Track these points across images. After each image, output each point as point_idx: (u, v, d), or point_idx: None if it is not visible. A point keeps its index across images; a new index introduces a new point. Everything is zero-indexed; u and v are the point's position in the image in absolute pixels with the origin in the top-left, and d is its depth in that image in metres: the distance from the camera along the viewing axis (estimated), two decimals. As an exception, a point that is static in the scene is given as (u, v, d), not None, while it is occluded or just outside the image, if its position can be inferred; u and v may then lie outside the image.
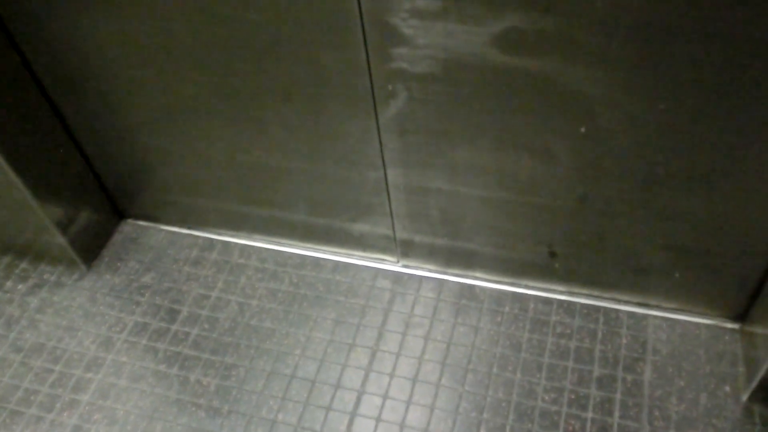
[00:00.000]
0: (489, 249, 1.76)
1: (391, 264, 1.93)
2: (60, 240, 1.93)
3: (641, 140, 1.36)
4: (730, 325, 1.72)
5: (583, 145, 1.41)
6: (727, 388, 1.62)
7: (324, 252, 1.98)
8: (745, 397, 1.59)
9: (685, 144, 1.34)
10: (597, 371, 1.67)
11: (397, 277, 1.91)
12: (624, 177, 1.44)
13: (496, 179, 1.56)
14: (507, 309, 1.81)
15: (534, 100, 1.36)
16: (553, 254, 1.71)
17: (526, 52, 1.28)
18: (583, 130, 1.38)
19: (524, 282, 1.83)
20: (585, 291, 1.79)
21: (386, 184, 1.68)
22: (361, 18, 1.33)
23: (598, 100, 1.31)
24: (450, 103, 1.42)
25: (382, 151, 1.59)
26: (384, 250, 1.90)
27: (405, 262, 1.92)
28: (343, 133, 1.59)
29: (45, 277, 2.03)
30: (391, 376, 1.72)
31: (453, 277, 1.89)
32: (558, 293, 1.82)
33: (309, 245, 1.98)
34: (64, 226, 1.92)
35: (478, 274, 1.86)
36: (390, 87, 1.43)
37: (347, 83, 1.46)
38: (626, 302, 1.77)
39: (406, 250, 1.87)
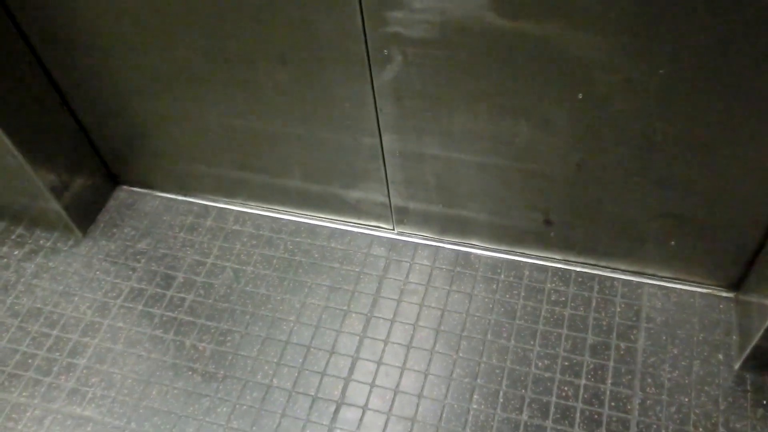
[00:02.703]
0: (484, 216, 1.75)
1: (386, 231, 1.93)
2: (55, 206, 1.93)
3: (640, 106, 1.34)
4: (724, 294, 1.72)
5: (580, 111, 1.39)
6: (720, 356, 1.63)
7: (319, 219, 1.97)
8: (737, 365, 1.60)
9: (685, 111, 1.32)
10: (591, 338, 1.68)
11: (392, 244, 1.91)
12: (621, 144, 1.43)
13: (493, 145, 1.54)
14: (502, 276, 1.81)
15: (532, 65, 1.33)
16: (548, 222, 1.70)
17: (524, 16, 1.25)
18: (580, 96, 1.36)
19: (519, 250, 1.83)
20: (580, 259, 1.79)
21: (382, 150, 1.67)
22: (356, -21, 1.30)
23: (597, 65, 1.29)
24: (446, 68, 1.40)
25: (377, 116, 1.57)
26: (379, 217, 1.89)
27: (400, 230, 1.91)
28: (338, 98, 1.57)
29: (41, 242, 2.03)
30: (386, 342, 1.73)
31: (448, 245, 1.88)
32: (553, 261, 1.82)
33: (304, 212, 1.98)
34: (58, 192, 1.92)
35: (473, 242, 1.86)
36: (385, 51, 1.41)
37: (342, 47, 1.44)
38: (621, 270, 1.77)
39: (401, 217, 1.86)
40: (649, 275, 1.76)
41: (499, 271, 1.82)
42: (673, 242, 1.63)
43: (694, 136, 1.36)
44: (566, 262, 1.81)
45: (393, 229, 1.92)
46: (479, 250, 1.86)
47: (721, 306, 1.71)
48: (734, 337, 1.65)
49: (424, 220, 1.84)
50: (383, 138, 1.62)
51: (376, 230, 1.93)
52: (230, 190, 2.00)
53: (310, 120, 1.66)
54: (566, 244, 1.75)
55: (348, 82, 1.52)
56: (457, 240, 1.87)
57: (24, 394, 1.73)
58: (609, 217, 1.62)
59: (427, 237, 1.90)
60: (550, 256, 1.81)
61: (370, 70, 1.47)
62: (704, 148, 1.38)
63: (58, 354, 1.79)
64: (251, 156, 1.84)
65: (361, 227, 1.94)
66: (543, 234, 1.74)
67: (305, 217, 1.98)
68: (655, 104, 1.33)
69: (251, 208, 2.02)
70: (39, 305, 1.89)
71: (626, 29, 1.22)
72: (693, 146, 1.38)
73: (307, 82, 1.55)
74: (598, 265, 1.78)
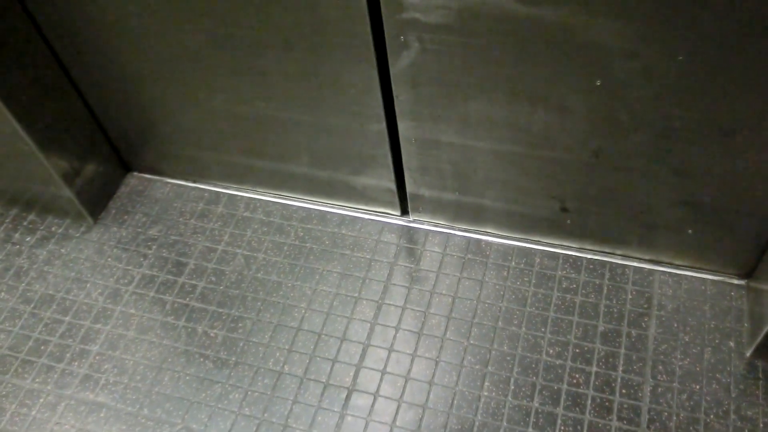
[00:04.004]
0: (500, 204, 1.75)
1: (397, 218, 1.93)
2: (66, 192, 1.92)
3: (658, 93, 1.34)
4: (736, 281, 1.72)
5: (598, 97, 1.39)
6: (732, 344, 1.63)
7: (330, 206, 1.97)
8: (749, 353, 1.61)
9: (704, 97, 1.31)
10: (602, 326, 1.68)
11: (403, 231, 1.91)
12: (639, 131, 1.42)
13: (509, 133, 1.54)
14: (513, 263, 1.81)
15: (549, 51, 1.33)
16: (564, 209, 1.70)
17: (542, 2, 1.25)
18: (598, 82, 1.35)
19: (534, 237, 1.83)
20: (595, 247, 1.79)
21: (389, 136, 1.66)
22: (371, -35, 1.30)
23: (615, 51, 1.28)
24: (463, 54, 1.39)
25: (383, 103, 1.57)
26: (386, 203, 1.89)
27: (412, 216, 1.91)
28: (344, 84, 1.56)
29: (53, 229, 2.03)
30: (397, 329, 1.74)
31: (459, 232, 1.88)
32: (564, 248, 1.82)
33: (314, 199, 1.97)
34: (70, 179, 1.91)
35: (487, 229, 1.86)
36: (402, 38, 1.40)
37: (348, 32, 1.43)
38: (635, 258, 1.77)
39: (414, 204, 1.86)
40: (663, 263, 1.76)
41: (510, 258, 1.83)
42: (690, 230, 1.63)
43: (712, 124, 1.36)
44: (579, 249, 1.81)
45: (401, 215, 1.92)
46: (490, 237, 1.86)
47: (732, 293, 1.71)
48: (746, 324, 1.66)
49: (439, 207, 1.84)
50: (399, 125, 1.62)
51: (388, 217, 1.93)
52: (240, 177, 2.00)
53: (317, 106, 1.65)
54: (582, 232, 1.75)
55: (354, 68, 1.51)
56: (469, 227, 1.87)
57: (37, 380, 1.73)
58: (626, 205, 1.62)
59: (438, 224, 1.90)
60: (564, 243, 1.81)
61: (386, 56, 1.46)
62: (722, 136, 1.37)
63: (70, 340, 1.79)
64: (259, 142, 1.83)
65: (371, 214, 1.94)
66: (559, 221, 1.74)
67: (315, 204, 1.98)
68: (674, 91, 1.32)
69: (261, 195, 2.02)
70: (51, 292, 1.89)
71: (645, 15, 1.21)
72: (711, 133, 1.37)
73: (312, 68, 1.55)
74: (613, 253, 1.78)
